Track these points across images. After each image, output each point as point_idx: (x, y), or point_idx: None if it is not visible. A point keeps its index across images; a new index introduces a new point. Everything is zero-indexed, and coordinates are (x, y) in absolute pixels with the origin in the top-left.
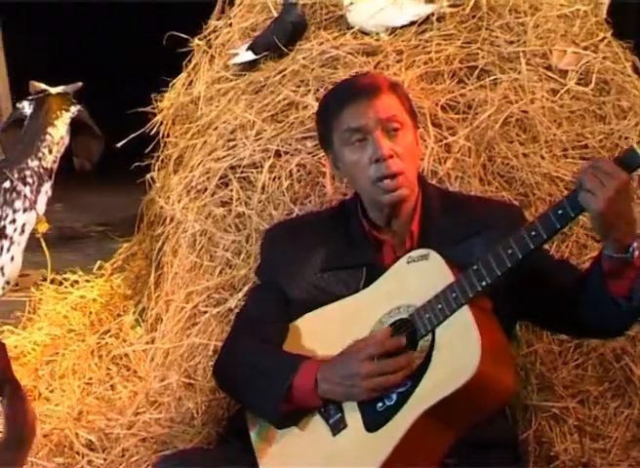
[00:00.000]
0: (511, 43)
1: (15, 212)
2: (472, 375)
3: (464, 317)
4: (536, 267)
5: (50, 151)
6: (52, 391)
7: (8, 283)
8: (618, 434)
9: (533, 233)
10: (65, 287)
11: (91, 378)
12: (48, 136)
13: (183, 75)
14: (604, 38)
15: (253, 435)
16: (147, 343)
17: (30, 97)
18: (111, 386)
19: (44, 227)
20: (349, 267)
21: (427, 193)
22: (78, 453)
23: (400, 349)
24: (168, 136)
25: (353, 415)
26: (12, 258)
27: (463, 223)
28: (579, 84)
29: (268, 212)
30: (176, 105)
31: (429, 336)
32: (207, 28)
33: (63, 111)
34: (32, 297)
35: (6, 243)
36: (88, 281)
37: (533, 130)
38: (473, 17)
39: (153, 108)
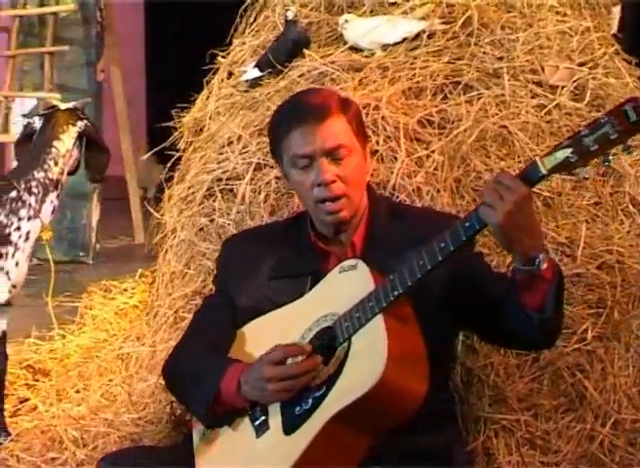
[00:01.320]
0: (500, 58)
1: (20, 219)
2: (376, 383)
3: (376, 326)
4: (471, 278)
5: (55, 163)
6: (77, 391)
7: (14, 287)
8: (569, 448)
9: (442, 245)
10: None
11: (111, 380)
12: (54, 149)
13: (205, 91)
14: (605, 53)
15: (195, 436)
16: (137, 347)
17: (40, 113)
18: (122, 387)
19: (48, 235)
20: (295, 276)
21: (374, 204)
22: (66, 449)
23: (302, 354)
24: (184, 150)
25: (275, 418)
26: (16, 264)
27: (407, 234)
28: (574, 100)
29: (246, 222)
30: (193, 120)
31: (347, 344)
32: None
33: (70, 126)
34: (82, 303)
35: (11, 249)
36: (133, 288)
37: (511, 145)
38: (465, 33)
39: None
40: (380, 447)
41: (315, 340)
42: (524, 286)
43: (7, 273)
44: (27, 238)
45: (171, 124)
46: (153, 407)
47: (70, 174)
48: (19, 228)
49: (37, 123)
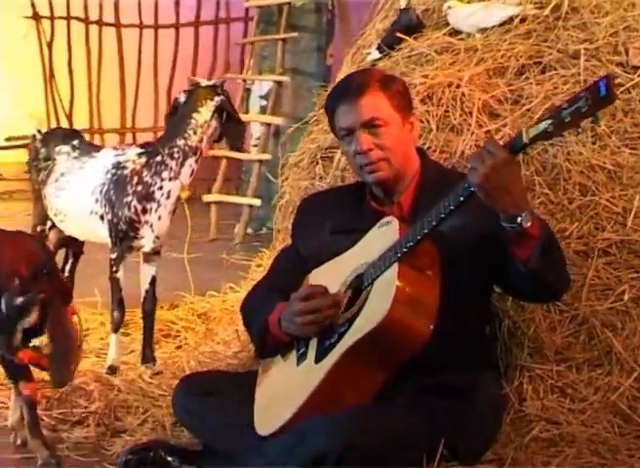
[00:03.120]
0: (585, 41)
1: (162, 180)
2: (381, 320)
3: (392, 272)
4: (494, 236)
5: (194, 132)
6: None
7: (157, 238)
8: (595, 398)
9: (446, 204)
10: None
11: None
12: (193, 121)
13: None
14: None
15: (261, 364)
16: None
17: (185, 90)
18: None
19: (186, 194)
20: (352, 231)
21: (426, 170)
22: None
23: (321, 294)
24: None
25: (312, 349)
26: (159, 218)
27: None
28: None
29: (338, 184)
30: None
31: (370, 288)
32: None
33: (208, 100)
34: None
35: (154, 205)
36: None
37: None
38: (554, 17)
39: None
40: (400, 383)
41: (350, 285)
42: (513, 241)
43: (151, 226)
44: (169, 196)
45: None
46: None
47: (216, 141)
48: (161, 187)
49: (182, 98)
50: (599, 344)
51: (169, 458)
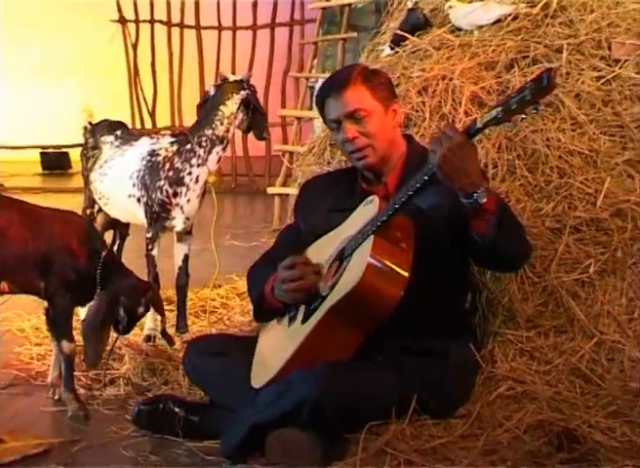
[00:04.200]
0: (570, 36)
1: (191, 166)
2: (355, 285)
3: (367, 244)
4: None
5: (221, 123)
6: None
7: (187, 219)
8: (559, 361)
9: (413, 182)
10: None
11: None
12: (220, 112)
13: None
14: None
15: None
16: None
17: (215, 84)
18: None
19: (212, 178)
20: (345, 209)
21: (411, 152)
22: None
23: (302, 264)
24: None
25: (301, 312)
26: (188, 200)
27: None
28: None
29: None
30: None
31: (350, 258)
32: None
33: (234, 94)
34: None
35: (184, 189)
36: None
37: (561, 109)
38: (544, 15)
39: None
40: (380, 344)
41: (335, 256)
42: (472, 216)
43: (181, 208)
44: (197, 181)
45: None
46: None
47: (244, 132)
48: (190, 173)
49: (212, 91)
50: (565, 312)
51: (176, 409)
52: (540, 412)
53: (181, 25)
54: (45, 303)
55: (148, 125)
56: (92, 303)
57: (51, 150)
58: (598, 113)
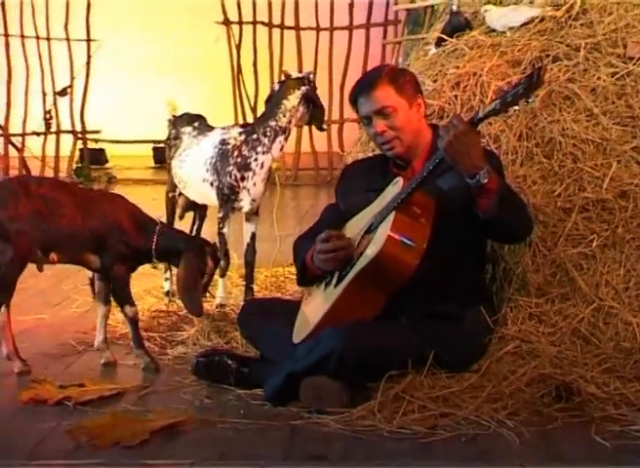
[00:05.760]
0: (588, 36)
1: (257, 153)
2: (377, 253)
3: (390, 218)
4: None
5: (284, 115)
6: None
7: (254, 200)
8: (563, 324)
9: (428, 165)
10: None
11: None
12: (283, 106)
13: None
14: None
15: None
16: None
17: (279, 81)
18: None
19: (276, 165)
20: (379, 190)
21: (436, 139)
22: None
23: (336, 236)
24: None
25: (335, 278)
26: (254, 184)
27: None
28: None
29: None
30: None
31: (376, 231)
32: None
33: (296, 89)
34: None
35: (250, 173)
36: None
37: (577, 102)
38: (568, 17)
39: None
40: (403, 308)
41: (366, 230)
42: (477, 195)
43: (248, 190)
44: (262, 166)
45: None
46: None
47: (307, 124)
48: (256, 159)
49: (276, 87)
50: (569, 282)
51: (229, 362)
52: (542, 368)
53: (282, 26)
54: (89, 274)
55: (250, 119)
56: (180, 265)
57: (162, 145)
58: (612, 105)
